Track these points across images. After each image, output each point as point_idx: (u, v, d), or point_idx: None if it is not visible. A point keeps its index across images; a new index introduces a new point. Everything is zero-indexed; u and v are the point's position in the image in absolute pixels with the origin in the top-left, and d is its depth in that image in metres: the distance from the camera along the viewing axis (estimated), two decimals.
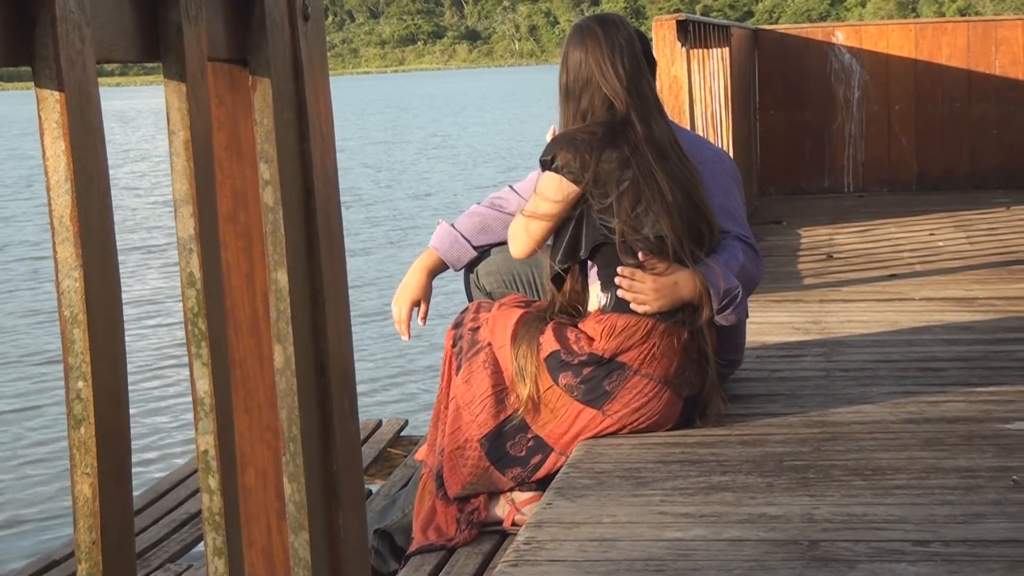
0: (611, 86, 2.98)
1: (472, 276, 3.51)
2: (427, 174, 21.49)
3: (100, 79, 0.91)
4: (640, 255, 2.93)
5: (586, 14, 3.79)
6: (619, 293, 2.94)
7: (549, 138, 3.16)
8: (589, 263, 3.05)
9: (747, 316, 3.14)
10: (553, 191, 2.95)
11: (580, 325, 2.97)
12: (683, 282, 2.93)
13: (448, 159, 24.41)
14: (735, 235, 3.10)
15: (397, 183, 20.17)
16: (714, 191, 3.12)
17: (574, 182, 2.92)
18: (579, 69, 3.01)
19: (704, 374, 3.00)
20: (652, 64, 3.28)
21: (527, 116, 35.94)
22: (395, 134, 33.77)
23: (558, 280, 3.02)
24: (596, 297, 3.00)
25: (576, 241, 2.98)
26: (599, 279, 3.00)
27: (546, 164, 2.97)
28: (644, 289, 2.92)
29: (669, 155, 2.98)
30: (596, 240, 2.95)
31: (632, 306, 2.93)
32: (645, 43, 3.27)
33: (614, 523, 2.46)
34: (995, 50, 7.96)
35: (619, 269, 2.93)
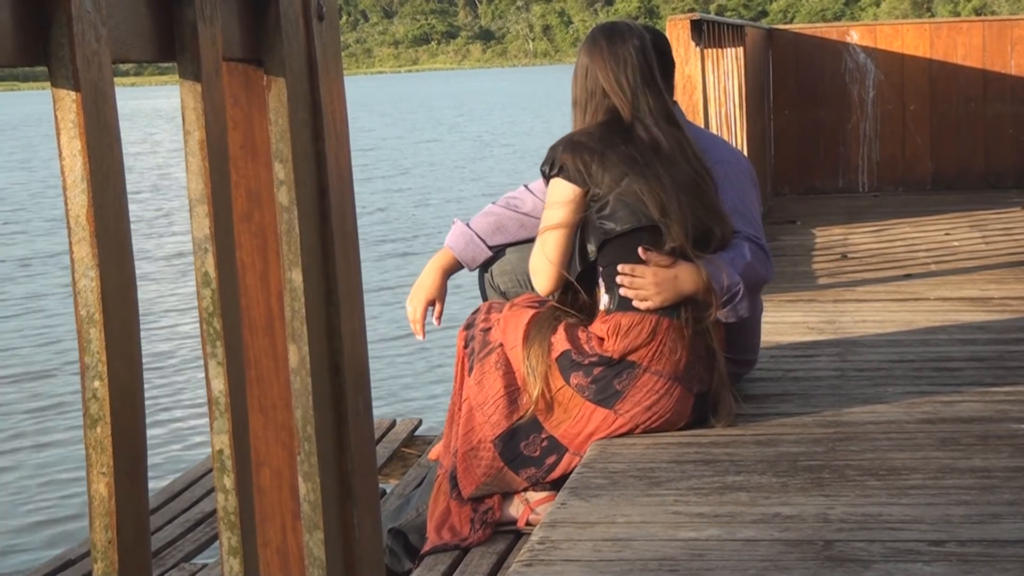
0: (616, 98, 3.01)
1: (487, 275, 3.51)
2: (491, 172, 21.45)
3: (115, 79, 0.91)
4: (640, 250, 2.93)
5: (599, 14, 3.81)
6: (621, 291, 2.94)
7: None
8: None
9: (748, 315, 3.11)
10: (558, 195, 2.97)
11: (590, 326, 2.97)
12: (683, 275, 2.94)
13: (509, 157, 24.40)
14: (745, 235, 3.10)
15: (472, 181, 20.11)
16: (729, 192, 3.12)
17: (575, 183, 2.94)
18: (585, 80, 3.06)
19: (713, 370, 3.00)
20: (671, 66, 3.27)
21: (568, 114, 35.85)
22: (443, 132, 33.51)
23: (585, 288, 3.02)
24: (603, 299, 3.00)
25: (583, 246, 3.00)
26: (602, 280, 3.00)
27: (546, 173, 3.00)
28: (644, 284, 2.92)
29: (677, 161, 2.98)
30: (600, 238, 2.96)
31: (634, 303, 2.93)
32: (664, 44, 3.26)
33: (628, 523, 2.45)
34: (1011, 49, 7.94)
35: (619, 267, 2.94)
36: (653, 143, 2.97)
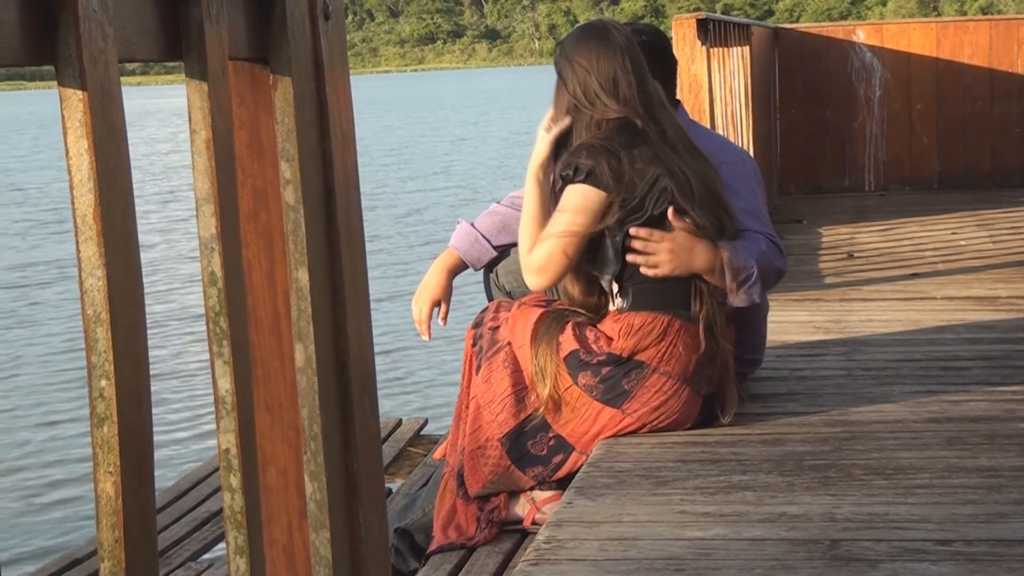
0: (621, 89, 2.94)
1: (492, 275, 3.51)
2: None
3: (121, 78, 0.91)
4: (671, 212, 2.89)
5: (605, 13, 3.79)
6: (629, 257, 2.90)
7: (542, 131, 3.09)
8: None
9: (759, 300, 3.08)
10: (582, 201, 2.90)
11: (599, 325, 2.97)
12: (699, 250, 2.91)
13: None
14: (759, 231, 3.10)
15: (510, 179, 20.11)
16: (738, 191, 3.11)
17: (605, 189, 2.88)
18: (587, 76, 2.96)
19: (722, 369, 2.99)
20: (672, 63, 3.26)
21: None
22: (471, 130, 33.07)
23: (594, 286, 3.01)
24: (615, 298, 2.99)
25: (606, 253, 2.94)
26: (616, 281, 2.99)
27: (568, 178, 2.92)
28: (659, 249, 2.89)
29: (680, 148, 2.96)
30: (622, 245, 2.92)
31: (643, 269, 2.90)
32: (664, 42, 3.25)
33: (634, 522, 2.45)
34: (1017, 48, 7.93)
35: (632, 231, 2.90)
36: (663, 134, 2.94)
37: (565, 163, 2.93)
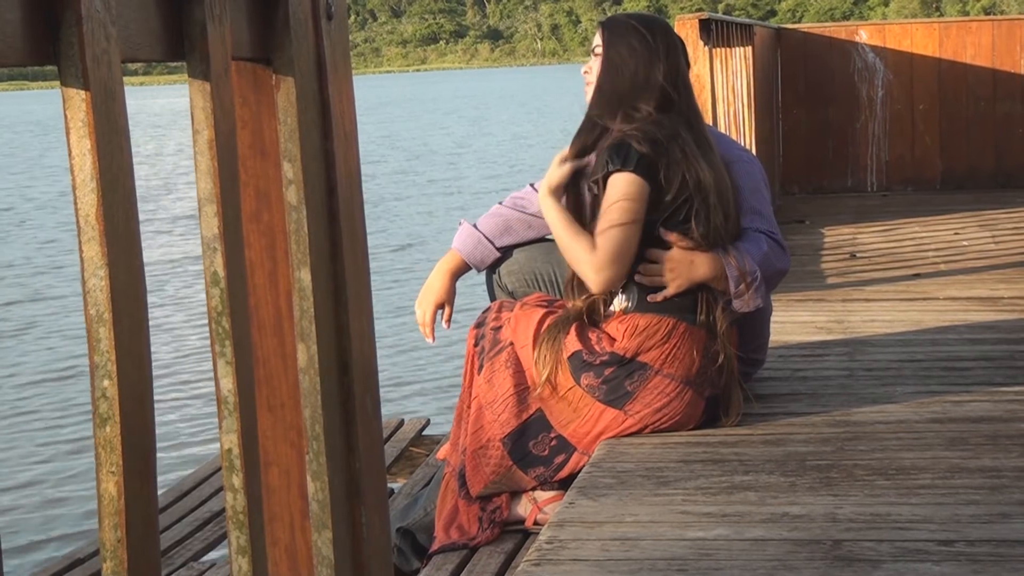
0: (664, 83, 2.98)
1: (494, 276, 3.51)
2: None
3: (124, 78, 0.91)
4: (661, 230, 2.92)
5: (608, 13, 3.80)
6: (636, 278, 2.93)
7: (556, 162, 3.09)
8: None
9: (764, 304, 3.10)
10: (635, 189, 2.89)
11: (603, 326, 2.97)
12: (699, 261, 2.93)
13: None
14: (760, 229, 3.10)
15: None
16: (745, 190, 3.12)
17: (648, 181, 2.89)
18: (634, 67, 2.99)
19: (726, 372, 2.99)
20: (688, 66, 3.28)
21: None
22: (526, 130, 32.90)
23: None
24: (618, 299, 2.99)
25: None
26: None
27: (616, 169, 2.90)
28: (659, 271, 2.92)
29: (706, 149, 2.98)
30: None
31: (650, 297, 2.92)
32: (683, 47, 3.27)
33: (636, 522, 2.45)
34: (1020, 49, 7.92)
35: (648, 252, 2.94)
36: (698, 134, 2.98)
37: (611, 153, 2.92)
